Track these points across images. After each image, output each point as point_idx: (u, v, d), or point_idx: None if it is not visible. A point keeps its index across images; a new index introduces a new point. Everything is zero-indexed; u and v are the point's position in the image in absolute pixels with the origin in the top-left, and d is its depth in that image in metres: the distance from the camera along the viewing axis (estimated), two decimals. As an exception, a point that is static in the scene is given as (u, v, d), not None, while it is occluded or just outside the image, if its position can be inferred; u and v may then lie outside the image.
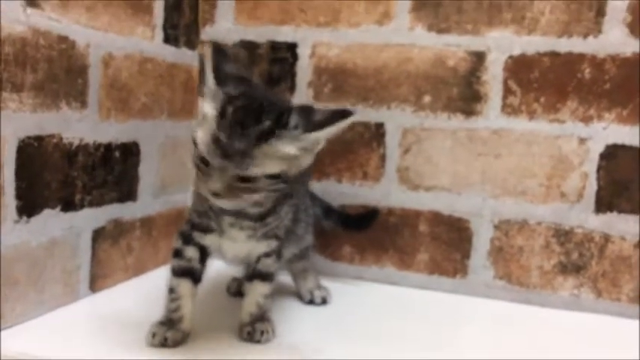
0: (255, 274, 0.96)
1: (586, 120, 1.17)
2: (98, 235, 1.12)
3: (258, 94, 0.84)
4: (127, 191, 1.19)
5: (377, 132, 1.28)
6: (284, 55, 1.33)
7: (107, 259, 1.15)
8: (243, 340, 0.94)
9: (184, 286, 0.93)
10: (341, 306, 1.15)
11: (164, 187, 1.32)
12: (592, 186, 1.17)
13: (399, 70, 1.26)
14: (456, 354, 0.97)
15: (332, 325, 1.06)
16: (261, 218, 0.90)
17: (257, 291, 0.96)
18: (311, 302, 1.14)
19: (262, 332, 0.93)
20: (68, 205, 1.03)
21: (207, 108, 0.80)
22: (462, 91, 1.23)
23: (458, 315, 1.17)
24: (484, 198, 1.23)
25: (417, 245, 1.28)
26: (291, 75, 1.33)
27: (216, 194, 0.79)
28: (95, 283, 1.12)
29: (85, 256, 1.09)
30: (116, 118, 1.14)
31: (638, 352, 1.00)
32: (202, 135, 0.78)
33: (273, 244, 0.94)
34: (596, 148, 1.17)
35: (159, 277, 1.26)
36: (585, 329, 1.13)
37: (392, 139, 1.27)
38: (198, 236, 0.93)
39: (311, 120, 0.81)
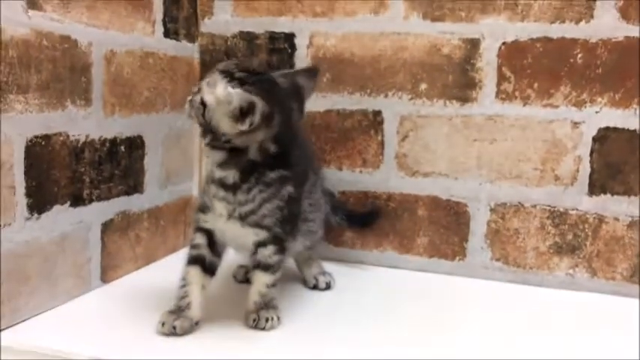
0: (256, 264, 0.99)
1: (579, 104, 1.19)
2: (107, 227, 1.16)
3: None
4: (133, 184, 1.23)
5: (375, 120, 1.30)
6: (282, 45, 1.35)
7: (117, 251, 1.19)
8: (249, 328, 0.98)
9: (193, 273, 0.97)
10: (344, 290, 1.19)
11: (169, 177, 1.35)
12: (585, 169, 1.20)
13: (395, 58, 1.28)
14: (457, 334, 1.01)
15: (336, 309, 1.10)
16: (232, 188, 0.94)
17: (260, 281, 0.99)
18: (315, 287, 1.18)
19: (267, 319, 0.97)
20: (77, 200, 1.07)
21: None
22: (457, 78, 1.25)
23: (457, 296, 1.21)
24: (480, 182, 1.26)
25: (417, 229, 1.31)
26: (290, 65, 1.35)
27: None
28: (106, 275, 1.16)
29: (95, 248, 1.13)
30: (120, 113, 1.17)
31: (638, 329, 1.04)
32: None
33: (261, 233, 0.96)
34: (589, 131, 1.19)
35: (168, 266, 1.31)
36: (581, 308, 1.16)
37: (390, 127, 1.30)
38: (201, 219, 0.98)
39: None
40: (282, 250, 0.99)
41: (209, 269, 0.99)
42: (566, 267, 1.23)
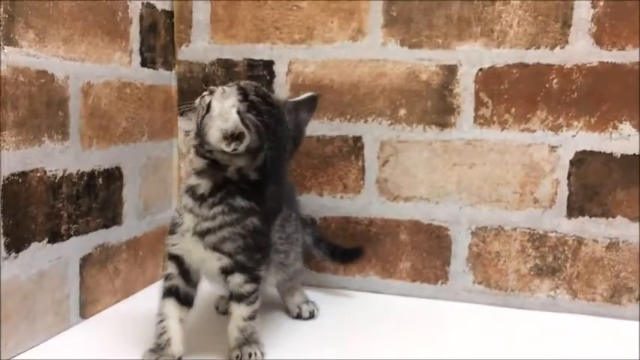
0: (231, 294, 0.98)
1: (555, 128, 1.21)
2: (85, 262, 1.14)
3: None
4: (111, 216, 1.21)
5: (355, 145, 1.31)
6: (261, 72, 1.35)
7: (95, 285, 1.17)
8: None
9: (170, 306, 0.95)
10: (328, 318, 1.19)
11: (147, 207, 1.34)
12: (563, 191, 1.22)
13: (374, 84, 1.29)
14: (442, 357, 1.02)
15: (321, 339, 1.09)
16: (201, 198, 0.94)
17: (236, 314, 0.97)
18: (299, 317, 1.17)
19: (250, 355, 0.96)
20: (55, 237, 1.05)
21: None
22: (435, 104, 1.26)
23: (441, 320, 1.21)
24: (461, 206, 1.27)
25: (399, 254, 1.32)
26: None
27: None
28: (85, 310, 1.14)
29: (73, 284, 1.11)
30: (98, 145, 1.15)
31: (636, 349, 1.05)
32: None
33: (224, 259, 0.94)
34: (566, 155, 1.21)
35: (147, 297, 1.29)
36: (563, 329, 1.17)
37: (370, 152, 1.30)
38: (170, 243, 0.97)
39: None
40: (253, 279, 0.96)
41: (185, 300, 0.97)
42: (547, 289, 1.25)
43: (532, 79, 1.21)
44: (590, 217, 1.21)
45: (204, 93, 0.95)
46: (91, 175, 1.14)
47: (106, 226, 1.19)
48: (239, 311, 0.97)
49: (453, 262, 1.29)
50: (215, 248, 0.94)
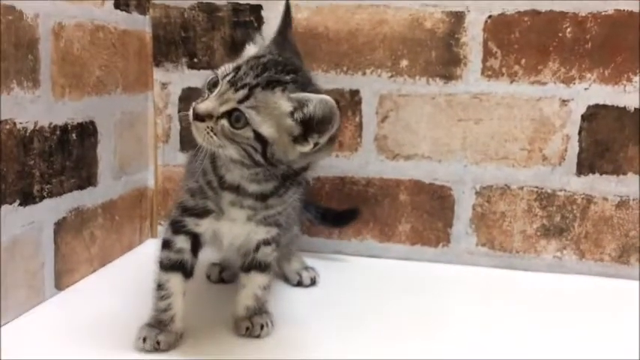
0: (253, 264, 0.89)
1: (567, 81, 1.14)
2: (60, 227, 1.01)
3: (294, 61, 0.81)
4: (86, 176, 1.08)
5: (352, 99, 1.21)
6: (247, 18, 1.22)
7: (71, 253, 1.05)
8: (240, 336, 0.87)
9: (174, 281, 0.84)
10: (327, 285, 1.10)
11: (123, 167, 1.21)
12: (574, 148, 1.16)
13: (374, 33, 1.19)
14: (447, 324, 0.96)
15: (324, 308, 1.01)
16: (263, 198, 0.82)
17: (255, 282, 0.89)
18: (299, 284, 1.09)
19: (262, 326, 0.87)
20: (27, 198, 0.92)
21: (251, 49, 0.81)
22: (440, 55, 1.17)
23: (443, 284, 1.15)
24: (465, 164, 1.20)
25: (398, 216, 1.24)
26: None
27: (198, 115, 0.73)
28: (61, 281, 1.02)
29: (48, 252, 0.98)
30: (70, 96, 1.02)
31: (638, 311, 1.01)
32: (228, 65, 0.77)
33: (273, 231, 0.87)
34: (578, 109, 1.15)
35: (125, 266, 1.18)
36: (570, 291, 1.13)
37: (368, 107, 1.21)
38: (191, 222, 0.84)
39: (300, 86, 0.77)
40: (278, 245, 0.90)
41: (189, 274, 0.87)
42: (554, 250, 1.20)
43: (544, 28, 1.13)
44: (601, 174, 1.16)
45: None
46: (64, 129, 1.00)
47: (81, 187, 1.07)
48: (259, 280, 0.89)
49: (456, 224, 1.22)
50: (270, 223, 0.86)
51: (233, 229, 0.84)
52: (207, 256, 1.16)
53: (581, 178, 1.17)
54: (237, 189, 0.80)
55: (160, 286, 0.85)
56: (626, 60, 1.12)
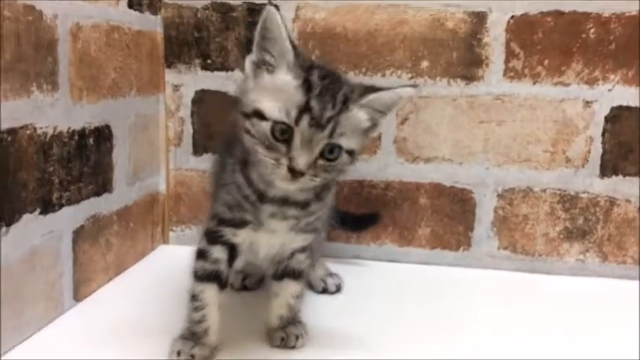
0: (286, 271, 0.86)
1: (591, 82, 1.13)
2: (78, 235, 0.97)
3: (331, 68, 0.77)
4: (102, 182, 1.04)
5: (372, 101, 1.19)
6: (263, 18, 1.20)
7: (89, 262, 1.01)
8: (275, 347, 0.85)
9: (210, 292, 0.81)
10: (349, 292, 1.08)
11: (136, 172, 1.17)
12: (597, 150, 1.15)
13: (394, 33, 1.16)
14: (469, 329, 0.95)
15: (351, 315, 0.98)
16: (306, 205, 0.79)
17: (288, 291, 0.86)
18: (325, 291, 1.06)
19: (297, 337, 0.85)
20: (47, 206, 0.88)
21: (281, 77, 0.71)
22: (461, 55, 1.16)
23: (464, 288, 1.13)
24: (487, 167, 1.18)
25: (418, 220, 1.22)
26: (272, 41, 1.20)
27: (296, 173, 0.69)
28: (79, 291, 0.98)
29: (66, 262, 0.94)
30: (88, 99, 0.98)
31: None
32: (277, 105, 0.70)
33: (310, 237, 0.84)
34: (602, 110, 1.14)
35: (140, 274, 1.15)
36: (592, 294, 1.12)
37: (388, 109, 1.19)
38: (229, 233, 0.80)
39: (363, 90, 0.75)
40: (310, 254, 0.87)
41: (225, 285, 0.83)
42: (577, 252, 1.18)
43: (568, 29, 1.12)
44: (624, 176, 1.15)
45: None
46: (82, 133, 0.97)
47: (97, 194, 1.03)
48: (292, 288, 0.86)
49: (477, 227, 1.21)
50: (308, 230, 0.83)
51: (272, 240, 0.81)
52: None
53: (605, 180, 1.15)
54: (280, 201, 0.77)
55: (194, 297, 0.81)
56: (650, 61, 1.11)
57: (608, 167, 1.15)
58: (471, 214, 1.20)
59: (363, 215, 1.19)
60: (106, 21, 1.02)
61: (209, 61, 1.23)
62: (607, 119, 1.14)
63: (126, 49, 1.10)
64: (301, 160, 0.69)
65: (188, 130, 1.26)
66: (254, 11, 1.19)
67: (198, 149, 1.26)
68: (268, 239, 0.81)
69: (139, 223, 1.19)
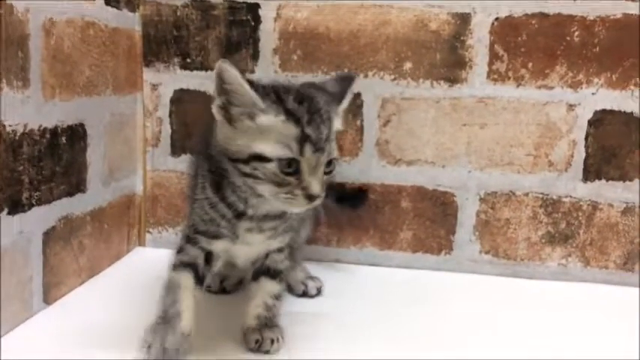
0: (262, 270, 0.85)
1: (575, 85, 1.12)
2: (49, 237, 0.94)
3: (289, 84, 0.78)
4: (75, 182, 1.01)
5: (353, 102, 1.16)
6: (244, 17, 1.17)
7: (59, 264, 0.98)
8: (249, 350, 0.83)
9: (185, 278, 0.80)
10: (330, 296, 1.06)
11: (112, 172, 1.14)
12: (580, 154, 1.14)
13: (377, 34, 1.15)
14: (450, 333, 0.93)
15: (330, 320, 0.96)
16: (284, 214, 0.79)
17: (265, 290, 0.85)
18: (305, 294, 1.05)
19: (272, 341, 0.83)
20: (16, 207, 0.85)
21: (262, 119, 0.71)
22: (445, 57, 1.14)
23: (445, 293, 1.12)
24: (469, 170, 1.17)
25: (400, 223, 1.20)
26: (254, 40, 1.18)
27: (313, 197, 0.71)
28: (49, 294, 0.95)
29: (36, 264, 0.91)
30: (60, 96, 0.95)
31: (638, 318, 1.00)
32: (275, 144, 0.71)
33: (286, 237, 0.84)
34: (585, 114, 1.12)
35: (114, 277, 1.12)
36: (574, 299, 1.11)
37: (370, 110, 1.17)
38: (204, 241, 0.81)
39: (330, 95, 0.79)
40: (289, 255, 0.87)
41: (199, 279, 0.82)
42: (559, 257, 1.17)
43: (552, 31, 1.11)
44: (607, 180, 1.14)
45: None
46: (54, 132, 0.94)
47: (70, 194, 1.00)
48: (270, 287, 0.85)
49: (459, 231, 1.19)
50: (283, 233, 0.83)
51: (249, 250, 0.82)
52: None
53: (587, 184, 1.14)
54: (259, 217, 0.78)
55: (168, 283, 0.80)
56: (634, 65, 1.10)
57: (591, 171, 1.14)
58: (452, 218, 1.19)
59: (354, 193, 1.17)
60: (80, 17, 1.00)
61: (188, 60, 1.20)
62: (590, 123, 1.13)
63: (102, 47, 1.07)
64: (315, 187, 0.71)
65: (166, 130, 1.23)
66: (235, 9, 1.17)
67: (176, 150, 1.23)
68: (246, 251, 0.82)
69: (114, 225, 1.16)
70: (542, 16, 1.11)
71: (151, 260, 1.21)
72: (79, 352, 0.81)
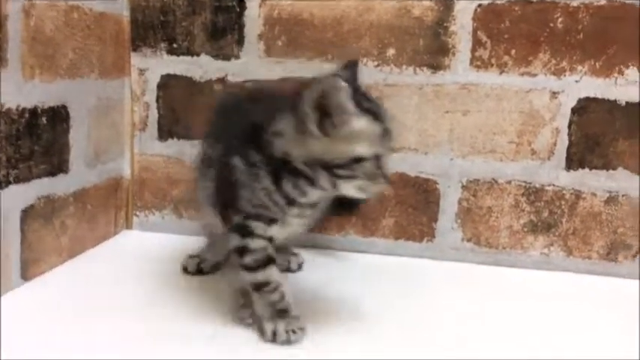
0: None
1: (558, 73, 1.11)
2: (27, 214, 0.96)
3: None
4: (57, 163, 1.03)
5: (336, 89, 1.17)
6: (229, 2, 1.18)
7: (39, 242, 1.00)
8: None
9: (275, 272, 0.83)
10: (308, 280, 1.06)
11: (98, 155, 1.16)
12: (563, 142, 1.13)
13: (360, 20, 1.15)
14: (433, 322, 0.92)
15: (313, 305, 0.96)
16: (317, 202, 0.85)
17: None
18: (288, 270, 1.07)
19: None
20: (-9, 183, 0.88)
21: (356, 124, 0.76)
22: (428, 44, 1.14)
23: (427, 280, 1.11)
24: (452, 157, 1.17)
25: (382, 210, 1.20)
26: (239, 26, 1.19)
27: (387, 178, 0.79)
28: (27, 271, 0.97)
29: (14, 240, 0.93)
30: (41, 77, 0.97)
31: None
32: (368, 144, 0.77)
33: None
34: (568, 102, 1.12)
35: (98, 257, 1.13)
36: (556, 288, 1.10)
37: (353, 97, 1.17)
38: (259, 228, 0.82)
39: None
40: None
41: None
42: (541, 246, 1.17)
43: (535, 18, 1.10)
44: (590, 169, 1.13)
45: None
46: (33, 112, 0.96)
47: (51, 174, 1.02)
48: None
49: (441, 218, 1.19)
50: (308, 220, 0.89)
51: (284, 234, 0.86)
52: (183, 247, 1.13)
53: (570, 172, 1.13)
54: (309, 205, 0.83)
55: (263, 284, 0.82)
56: (617, 52, 1.09)
57: (575, 160, 1.13)
58: (434, 205, 1.19)
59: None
60: (64, 0, 1.02)
61: (175, 45, 1.22)
62: (574, 111, 1.12)
63: (86, 30, 1.09)
64: (388, 175, 0.79)
65: (153, 114, 1.25)
66: (221, -5, 1.19)
67: (163, 134, 1.25)
68: (283, 233, 0.85)
69: (100, 207, 1.18)
70: (526, 2, 1.10)
71: (137, 242, 1.24)
72: (54, 327, 0.83)
